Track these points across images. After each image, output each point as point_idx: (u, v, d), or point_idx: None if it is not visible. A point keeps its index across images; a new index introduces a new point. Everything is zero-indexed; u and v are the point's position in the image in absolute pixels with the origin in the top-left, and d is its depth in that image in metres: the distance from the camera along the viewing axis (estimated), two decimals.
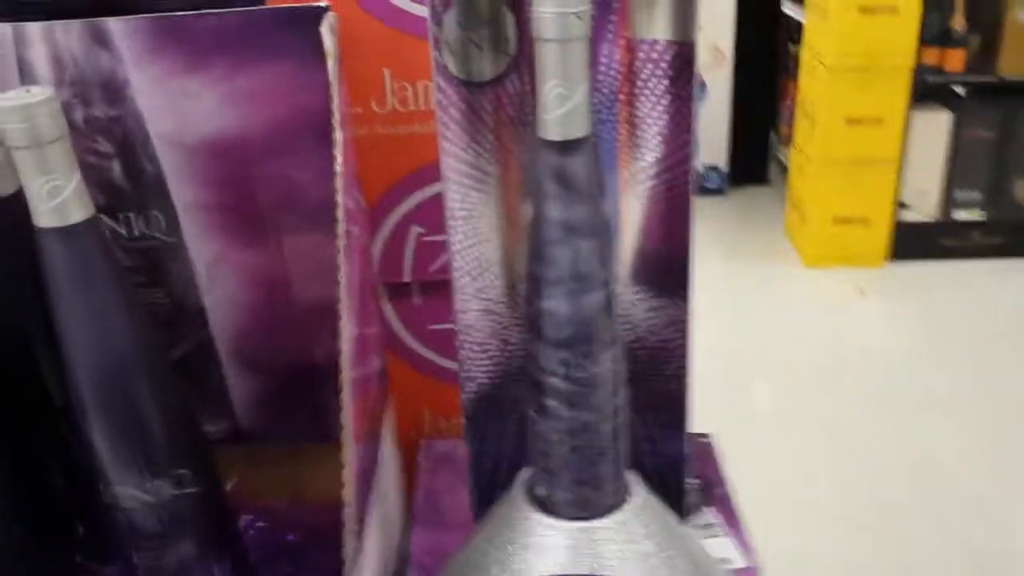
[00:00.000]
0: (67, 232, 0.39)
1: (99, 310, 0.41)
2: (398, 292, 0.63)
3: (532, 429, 0.46)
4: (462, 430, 0.55)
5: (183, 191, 0.51)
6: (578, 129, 0.40)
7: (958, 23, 2.25)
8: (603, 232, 0.42)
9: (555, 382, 0.44)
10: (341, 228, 0.45)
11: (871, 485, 1.63)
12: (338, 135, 0.46)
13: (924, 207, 2.45)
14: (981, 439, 1.74)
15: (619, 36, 0.47)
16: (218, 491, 0.49)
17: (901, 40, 2.14)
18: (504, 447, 0.55)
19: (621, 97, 0.48)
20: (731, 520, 0.59)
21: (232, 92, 0.49)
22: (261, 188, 0.51)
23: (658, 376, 0.54)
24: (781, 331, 2.15)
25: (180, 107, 0.49)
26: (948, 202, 2.45)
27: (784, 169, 2.85)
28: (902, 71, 2.18)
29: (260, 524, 0.57)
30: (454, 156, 0.48)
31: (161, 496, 0.44)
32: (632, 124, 0.48)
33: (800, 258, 2.51)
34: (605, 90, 0.48)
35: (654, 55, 0.47)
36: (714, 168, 2.90)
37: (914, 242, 2.46)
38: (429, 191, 0.60)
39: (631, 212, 0.50)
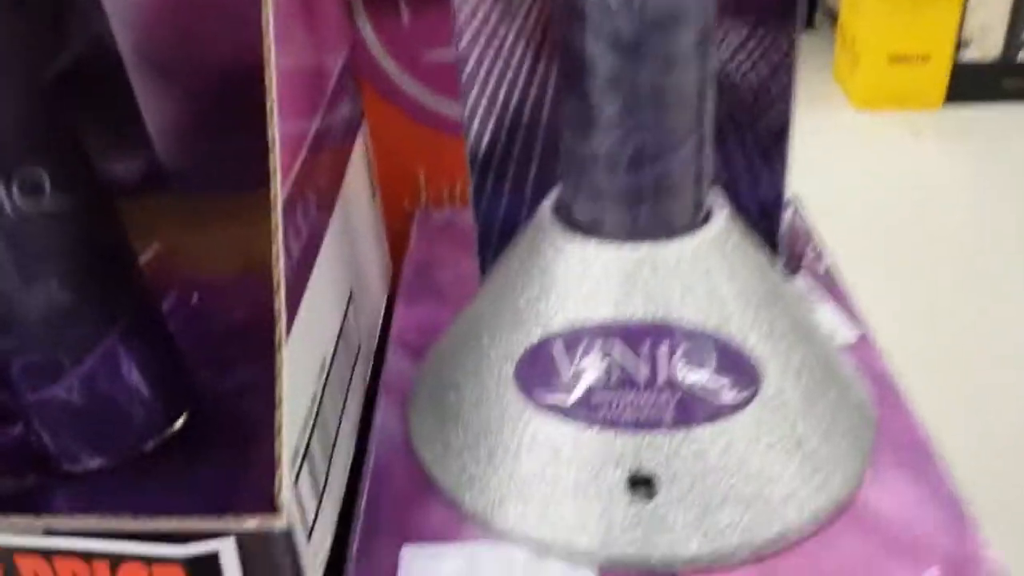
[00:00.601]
0: None
1: None
2: (379, 3, 0.47)
3: (565, 118, 0.31)
4: (468, 178, 0.39)
5: None
6: None
7: None
8: None
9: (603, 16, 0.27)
10: None
11: (933, 328, 1.48)
12: None
13: (987, 44, 2.23)
14: None
15: None
16: (108, 221, 0.34)
17: None
18: (520, 194, 0.40)
19: None
20: (830, 287, 0.43)
21: None
22: None
23: (747, 82, 0.37)
24: (832, 176, 1.97)
25: None
26: (1013, 40, 2.23)
27: (832, 14, 2.61)
28: None
29: (194, 300, 0.43)
30: None
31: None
32: None
33: (851, 101, 2.31)
34: None
35: None
36: None
37: (973, 83, 2.24)
38: None
39: None
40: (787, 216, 0.44)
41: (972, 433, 1.29)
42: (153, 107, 0.40)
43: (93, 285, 0.32)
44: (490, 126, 0.38)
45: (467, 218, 0.41)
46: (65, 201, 0.30)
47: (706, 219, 0.32)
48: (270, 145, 0.26)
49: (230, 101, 0.41)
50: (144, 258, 0.43)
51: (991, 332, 1.51)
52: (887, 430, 0.33)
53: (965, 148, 2.15)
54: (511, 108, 0.38)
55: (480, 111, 0.38)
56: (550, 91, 0.37)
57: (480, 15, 0.35)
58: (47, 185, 0.29)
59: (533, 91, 0.38)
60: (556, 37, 0.35)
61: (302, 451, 0.27)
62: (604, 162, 0.29)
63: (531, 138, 0.39)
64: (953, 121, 2.29)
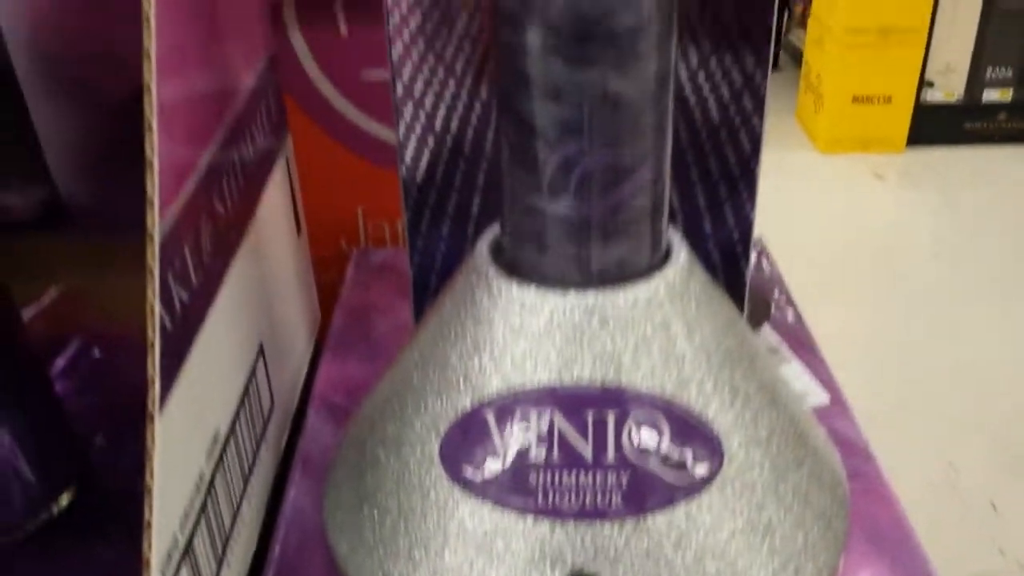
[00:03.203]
0: None
1: None
2: (314, 13, 0.43)
3: (505, 155, 0.27)
4: (402, 212, 0.35)
5: None
6: None
7: None
8: None
9: (552, 62, 0.24)
10: None
11: (892, 372, 1.46)
12: None
13: (950, 86, 2.24)
14: (1003, 326, 1.58)
15: None
16: None
17: None
18: (460, 232, 0.36)
19: None
20: (800, 340, 0.40)
21: None
22: None
23: (718, 98, 0.34)
24: (796, 218, 1.96)
25: None
26: (976, 81, 2.24)
27: (796, 55, 2.62)
28: None
29: (95, 354, 0.38)
30: None
31: None
32: None
33: (815, 143, 2.31)
34: None
35: None
36: None
37: (936, 125, 2.25)
38: None
39: None
40: (754, 259, 0.40)
41: (935, 475, 1.26)
42: (51, 130, 0.36)
43: None
44: (427, 153, 0.34)
45: (405, 259, 0.37)
46: None
47: (663, 261, 0.28)
48: (147, 175, 0.22)
49: (134, 130, 0.37)
50: (40, 303, 0.38)
51: (954, 372, 1.49)
52: (862, 511, 0.29)
53: (927, 192, 2.15)
54: (451, 133, 0.34)
55: (415, 135, 0.34)
56: (495, 113, 0.34)
57: (414, 23, 0.31)
58: None
59: (475, 115, 0.34)
60: (491, 42, 0.31)
61: (181, 548, 0.23)
62: (546, 192, 0.25)
63: (473, 168, 0.35)
64: (916, 164, 2.29)
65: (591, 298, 0.26)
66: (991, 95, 2.22)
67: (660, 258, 0.27)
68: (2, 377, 0.29)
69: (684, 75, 0.33)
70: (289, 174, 0.39)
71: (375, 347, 0.39)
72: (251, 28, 0.35)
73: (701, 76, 0.32)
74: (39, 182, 0.37)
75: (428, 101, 0.33)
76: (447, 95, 0.33)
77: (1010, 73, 2.19)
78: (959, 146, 2.27)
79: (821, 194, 2.09)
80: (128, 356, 0.39)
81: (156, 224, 0.22)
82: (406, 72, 0.32)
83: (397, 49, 0.32)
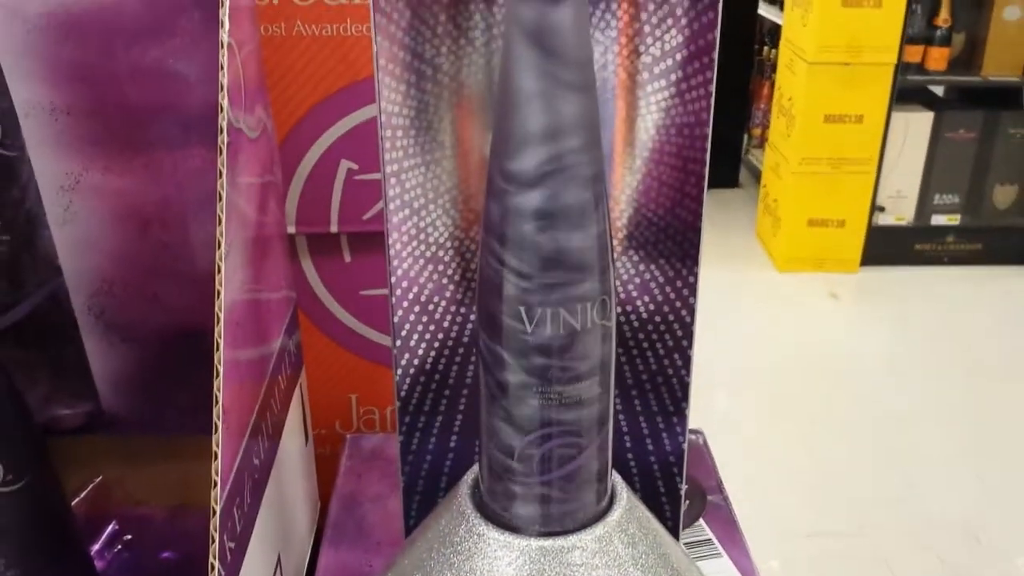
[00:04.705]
0: None
1: None
2: (322, 245, 0.50)
3: (485, 418, 0.34)
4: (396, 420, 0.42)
5: (25, 86, 0.38)
6: None
7: (943, 20, 2.16)
8: (593, 122, 0.30)
9: (521, 336, 0.31)
10: (223, 147, 0.32)
11: (845, 492, 1.52)
12: (225, 15, 0.33)
13: (901, 210, 2.36)
14: (952, 446, 1.66)
15: None
16: (52, 492, 0.35)
17: (884, 35, 2.04)
18: (446, 440, 0.43)
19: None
20: (730, 535, 0.47)
21: None
22: (131, 84, 0.38)
23: (653, 348, 0.41)
24: (753, 337, 2.04)
25: None
26: (925, 206, 2.37)
27: (755, 172, 2.75)
28: (884, 68, 2.08)
29: (127, 537, 0.44)
30: (391, 38, 0.35)
31: None
32: (635, 3, 0.36)
33: (773, 262, 2.41)
34: None
35: None
36: None
37: (888, 247, 2.37)
38: (364, 115, 0.47)
39: (629, 129, 0.38)
40: (688, 456, 0.47)
41: None
42: (100, 359, 0.43)
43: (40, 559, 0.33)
44: (421, 379, 0.41)
45: (395, 446, 0.43)
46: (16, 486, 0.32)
47: (609, 505, 0.35)
48: (212, 463, 0.29)
49: (174, 356, 0.43)
50: (86, 491, 0.45)
51: (906, 497, 1.55)
52: None
53: (880, 309, 2.25)
54: (441, 363, 0.41)
55: (412, 370, 0.41)
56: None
57: (412, 272, 0.39)
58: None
59: (462, 349, 0.41)
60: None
61: None
62: (516, 461, 0.32)
63: (456, 395, 0.42)
64: (869, 283, 2.40)
65: (552, 542, 0.33)
66: (939, 219, 2.34)
67: (607, 504, 0.35)
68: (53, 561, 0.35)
69: (627, 331, 0.40)
70: (302, 397, 0.46)
71: (369, 537, 0.46)
72: (282, 288, 0.42)
73: (641, 335, 0.40)
74: (86, 399, 0.44)
75: (424, 316, 0.40)
76: (443, 316, 0.40)
77: (957, 199, 2.32)
78: (910, 266, 2.39)
79: (778, 311, 2.18)
80: (153, 537, 0.45)
81: (219, 501, 0.29)
82: (406, 326, 0.39)
83: (398, 305, 0.39)
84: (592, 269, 0.30)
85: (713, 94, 0.36)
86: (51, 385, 0.43)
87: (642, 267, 0.40)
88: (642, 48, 0.36)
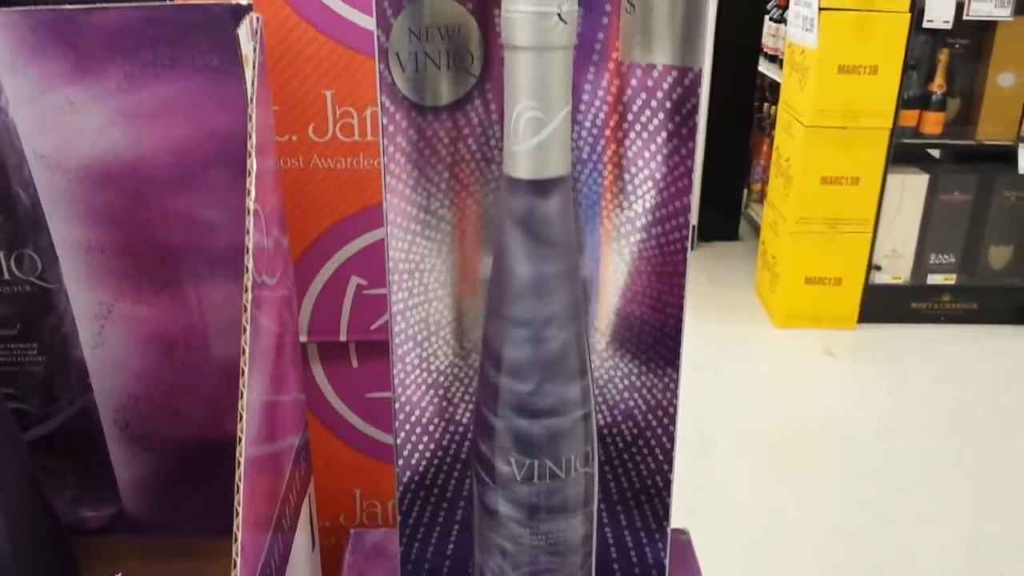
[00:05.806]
0: None
1: None
2: (332, 353, 0.54)
3: (479, 535, 0.37)
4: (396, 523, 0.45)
5: (64, 226, 0.41)
6: (554, 166, 0.31)
7: (938, 86, 2.21)
8: (578, 305, 0.33)
9: (512, 483, 0.34)
10: (249, 273, 0.35)
11: (840, 552, 1.54)
12: (253, 161, 0.36)
13: (897, 270, 2.39)
14: (949, 507, 1.68)
15: (607, 58, 0.38)
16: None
17: (880, 101, 2.08)
18: (444, 547, 0.46)
19: (607, 132, 0.39)
20: None
21: (128, 107, 0.39)
22: (161, 227, 0.42)
23: (637, 469, 0.44)
24: (749, 393, 2.07)
25: (63, 123, 0.40)
26: (921, 265, 2.40)
27: (755, 226, 2.79)
28: (880, 132, 2.12)
29: None
30: (400, 195, 0.39)
31: None
32: (620, 166, 0.40)
33: (770, 318, 2.44)
34: (588, 123, 0.39)
35: (649, 83, 0.38)
36: None
37: (885, 305, 2.40)
38: (373, 237, 0.51)
39: (613, 272, 0.41)
40: (672, 556, 0.50)
41: None
42: (124, 466, 0.46)
43: None
44: (421, 493, 0.44)
45: (395, 542, 0.46)
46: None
47: None
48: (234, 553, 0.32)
49: (192, 464, 0.47)
50: None
51: (900, 565, 1.57)
52: None
53: (876, 367, 2.28)
54: (440, 477, 0.44)
55: (412, 486, 0.44)
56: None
57: (415, 398, 0.42)
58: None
59: (459, 465, 0.44)
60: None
61: None
62: (507, 562, 0.36)
63: (454, 507, 0.45)
64: (866, 341, 2.43)
65: None
66: (935, 279, 2.38)
67: None
68: None
69: (613, 451, 0.44)
70: (309, 493, 0.49)
71: None
72: (294, 390, 0.45)
73: (626, 455, 0.43)
74: (110, 502, 0.47)
75: (425, 436, 0.43)
76: (443, 435, 0.43)
77: (952, 259, 2.36)
78: (907, 324, 2.42)
79: (775, 368, 2.21)
80: None
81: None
82: (408, 445, 0.43)
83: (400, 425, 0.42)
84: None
85: (688, 250, 0.40)
86: (77, 489, 0.46)
87: (625, 394, 0.43)
88: (625, 204, 0.40)
